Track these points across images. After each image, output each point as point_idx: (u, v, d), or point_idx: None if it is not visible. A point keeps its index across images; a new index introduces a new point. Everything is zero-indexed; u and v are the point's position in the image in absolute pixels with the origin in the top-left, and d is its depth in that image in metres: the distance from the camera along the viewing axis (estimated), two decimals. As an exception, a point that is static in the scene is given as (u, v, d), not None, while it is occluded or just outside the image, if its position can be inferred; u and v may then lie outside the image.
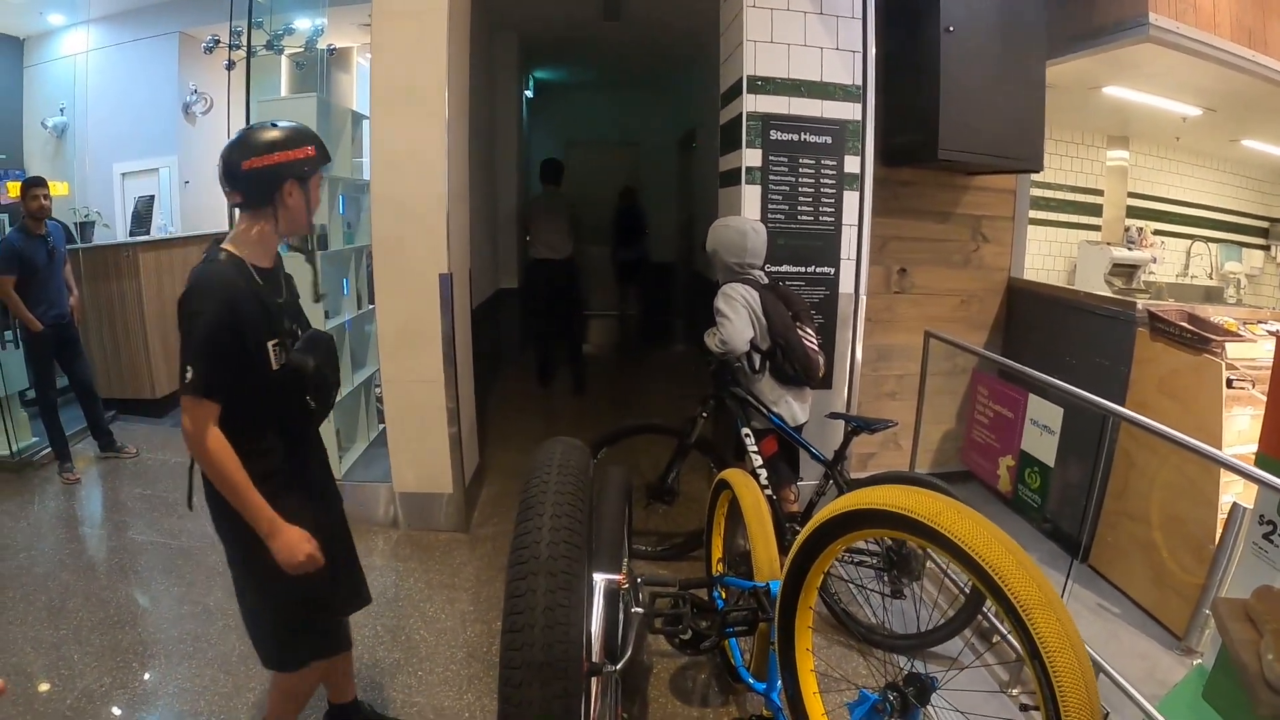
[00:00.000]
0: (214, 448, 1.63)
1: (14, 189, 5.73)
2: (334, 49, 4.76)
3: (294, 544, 1.71)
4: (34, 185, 4.31)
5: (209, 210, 6.28)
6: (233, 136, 1.78)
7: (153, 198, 6.24)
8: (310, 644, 1.96)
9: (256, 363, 1.72)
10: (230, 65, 4.67)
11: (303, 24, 4.51)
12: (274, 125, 1.78)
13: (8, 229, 4.64)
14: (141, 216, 6.11)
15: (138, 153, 6.38)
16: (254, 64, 3.98)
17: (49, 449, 4.55)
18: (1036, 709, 1.09)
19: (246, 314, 1.68)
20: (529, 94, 8.55)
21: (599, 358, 8.37)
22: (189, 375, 1.61)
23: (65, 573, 3.33)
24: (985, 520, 1.17)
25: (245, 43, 3.99)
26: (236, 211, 1.85)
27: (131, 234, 6.01)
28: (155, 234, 6.09)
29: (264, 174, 1.73)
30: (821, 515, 1.44)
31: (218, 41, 5.26)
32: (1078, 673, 1.01)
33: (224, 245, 1.77)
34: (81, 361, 4.66)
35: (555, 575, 1.01)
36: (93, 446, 4.76)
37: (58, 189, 5.81)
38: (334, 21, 4.53)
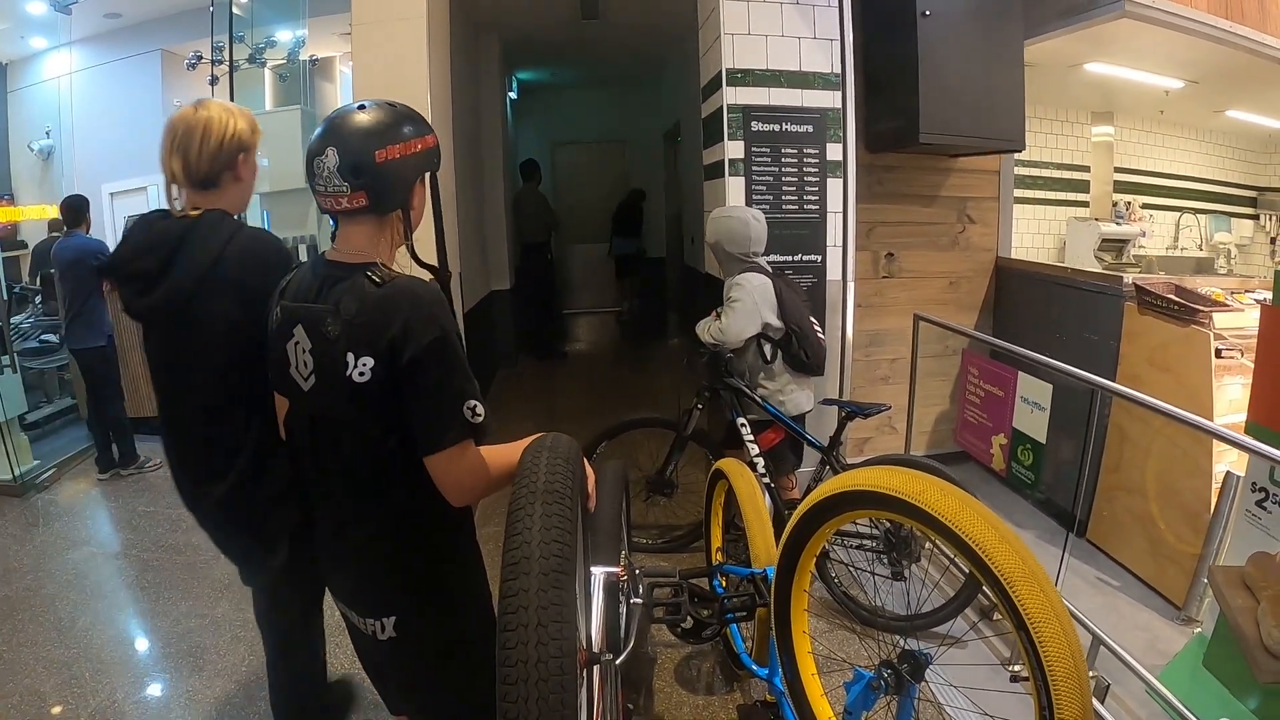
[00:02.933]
0: (496, 476, 1.34)
1: (3, 214, 5.77)
2: (316, 59, 4.78)
3: None
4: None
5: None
6: (342, 119, 1.30)
7: (143, 216, 6.24)
8: None
9: None
10: (214, 80, 4.68)
11: (284, 36, 4.52)
12: (390, 105, 1.34)
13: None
14: (132, 235, 6.11)
15: (125, 172, 6.36)
16: (237, 78, 4.00)
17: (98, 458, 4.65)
18: (1027, 678, 1.11)
19: None
20: (513, 95, 8.57)
21: (598, 354, 8.44)
22: (474, 412, 1.27)
23: (72, 592, 3.34)
24: (969, 497, 1.18)
25: (227, 57, 4.00)
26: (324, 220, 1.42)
27: (123, 253, 6.00)
28: (147, 252, 6.09)
29: (402, 167, 1.31)
30: (810, 499, 1.45)
31: (200, 58, 5.27)
32: (1063, 641, 1.03)
33: (366, 261, 1.32)
34: None
35: (547, 574, 1.01)
36: (92, 469, 4.77)
37: (47, 212, 5.85)
38: (314, 32, 4.53)
